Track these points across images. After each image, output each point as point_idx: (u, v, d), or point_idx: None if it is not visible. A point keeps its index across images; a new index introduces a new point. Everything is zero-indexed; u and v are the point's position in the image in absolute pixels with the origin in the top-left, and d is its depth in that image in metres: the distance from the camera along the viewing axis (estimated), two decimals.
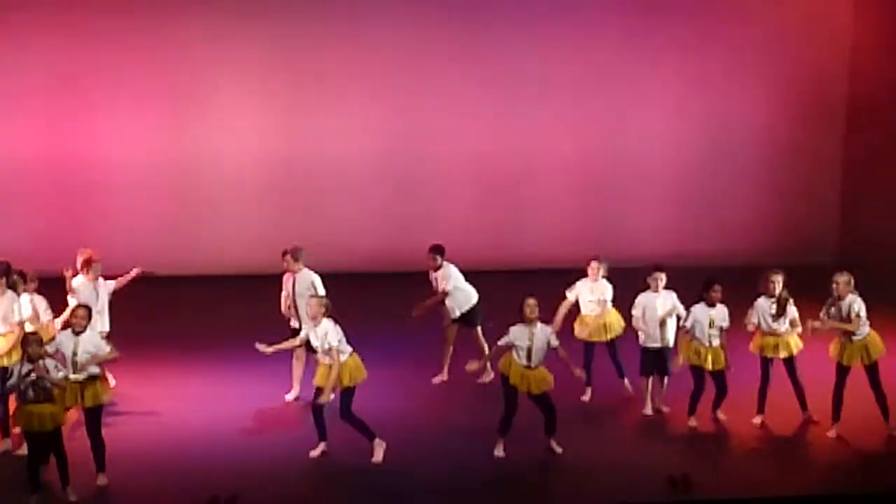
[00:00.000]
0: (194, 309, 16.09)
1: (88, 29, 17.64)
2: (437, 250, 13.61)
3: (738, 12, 19.20)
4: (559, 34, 18.75)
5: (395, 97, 18.63)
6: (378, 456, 11.40)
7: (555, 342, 11.49)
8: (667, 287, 12.72)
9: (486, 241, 16.39)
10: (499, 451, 11.61)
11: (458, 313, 13.63)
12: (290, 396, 13.11)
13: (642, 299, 12.74)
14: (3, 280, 11.62)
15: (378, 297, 16.81)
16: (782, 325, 12.30)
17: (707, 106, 19.36)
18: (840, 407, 12.18)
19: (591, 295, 13.15)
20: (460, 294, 13.63)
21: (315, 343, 11.34)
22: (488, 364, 12.79)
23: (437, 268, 13.57)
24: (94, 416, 10.85)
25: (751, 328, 12.43)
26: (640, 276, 12.91)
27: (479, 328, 13.72)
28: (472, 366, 11.93)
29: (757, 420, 12.61)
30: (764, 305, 12.34)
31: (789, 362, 12.43)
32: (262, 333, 14.06)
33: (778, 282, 12.25)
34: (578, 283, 13.21)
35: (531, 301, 11.38)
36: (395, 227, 18.63)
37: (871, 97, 19.04)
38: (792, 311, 12.34)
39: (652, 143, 19.37)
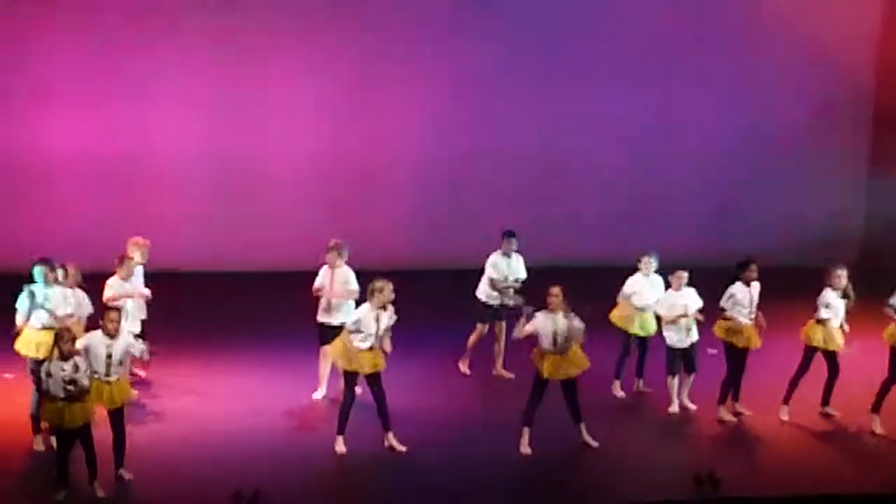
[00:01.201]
0: (222, 306, 16.14)
1: (134, 26, 17.61)
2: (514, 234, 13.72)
3: (765, 15, 19.15)
4: (579, 34, 18.78)
5: (427, 99, 18.65)
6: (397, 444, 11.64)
7: (579, 325, 11.46)
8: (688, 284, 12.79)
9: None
10: (525, 448, 11.63)
11: (492, 303, 13.72)
12: (316, 395, 13.13)
13: (667, 299, 12.77)
14: (54, 274, 11.68)
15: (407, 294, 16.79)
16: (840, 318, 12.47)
17: (734, 108, 19.33)
18: (884, 398, 12.27)
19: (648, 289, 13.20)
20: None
21: (382, 325, 11.40)
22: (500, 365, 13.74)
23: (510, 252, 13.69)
24: (120, 414, 10.91)
25: (822, 315, 12.43)
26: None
27: (503, 322, 13.77)
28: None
29: (783, 412, 12.63)
30: (832, 296, 12.40)
31: (832, 354, 12.51)
32: (290, 331, 14.23)
33: (843, 276, 12.41)
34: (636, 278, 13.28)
35: (554, 289, 11.44)
36: (432, 226, 18.66)
37: None
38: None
39: (679, 144, 19.36)
